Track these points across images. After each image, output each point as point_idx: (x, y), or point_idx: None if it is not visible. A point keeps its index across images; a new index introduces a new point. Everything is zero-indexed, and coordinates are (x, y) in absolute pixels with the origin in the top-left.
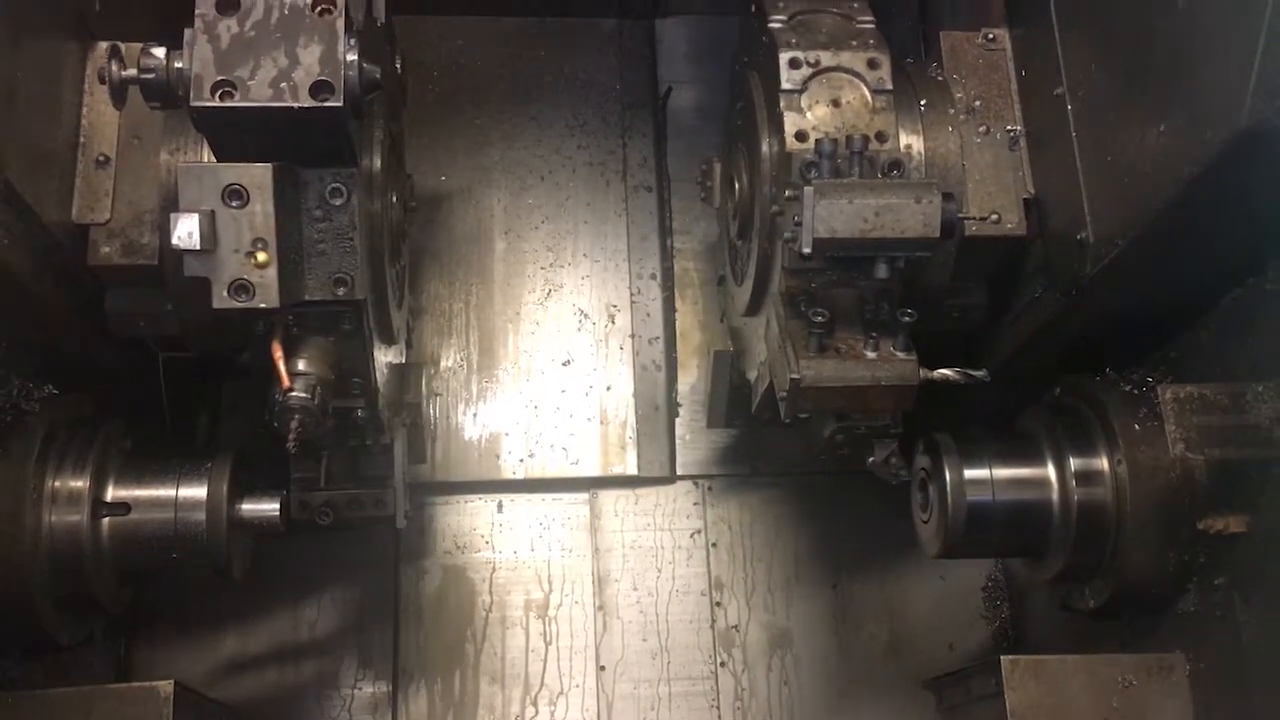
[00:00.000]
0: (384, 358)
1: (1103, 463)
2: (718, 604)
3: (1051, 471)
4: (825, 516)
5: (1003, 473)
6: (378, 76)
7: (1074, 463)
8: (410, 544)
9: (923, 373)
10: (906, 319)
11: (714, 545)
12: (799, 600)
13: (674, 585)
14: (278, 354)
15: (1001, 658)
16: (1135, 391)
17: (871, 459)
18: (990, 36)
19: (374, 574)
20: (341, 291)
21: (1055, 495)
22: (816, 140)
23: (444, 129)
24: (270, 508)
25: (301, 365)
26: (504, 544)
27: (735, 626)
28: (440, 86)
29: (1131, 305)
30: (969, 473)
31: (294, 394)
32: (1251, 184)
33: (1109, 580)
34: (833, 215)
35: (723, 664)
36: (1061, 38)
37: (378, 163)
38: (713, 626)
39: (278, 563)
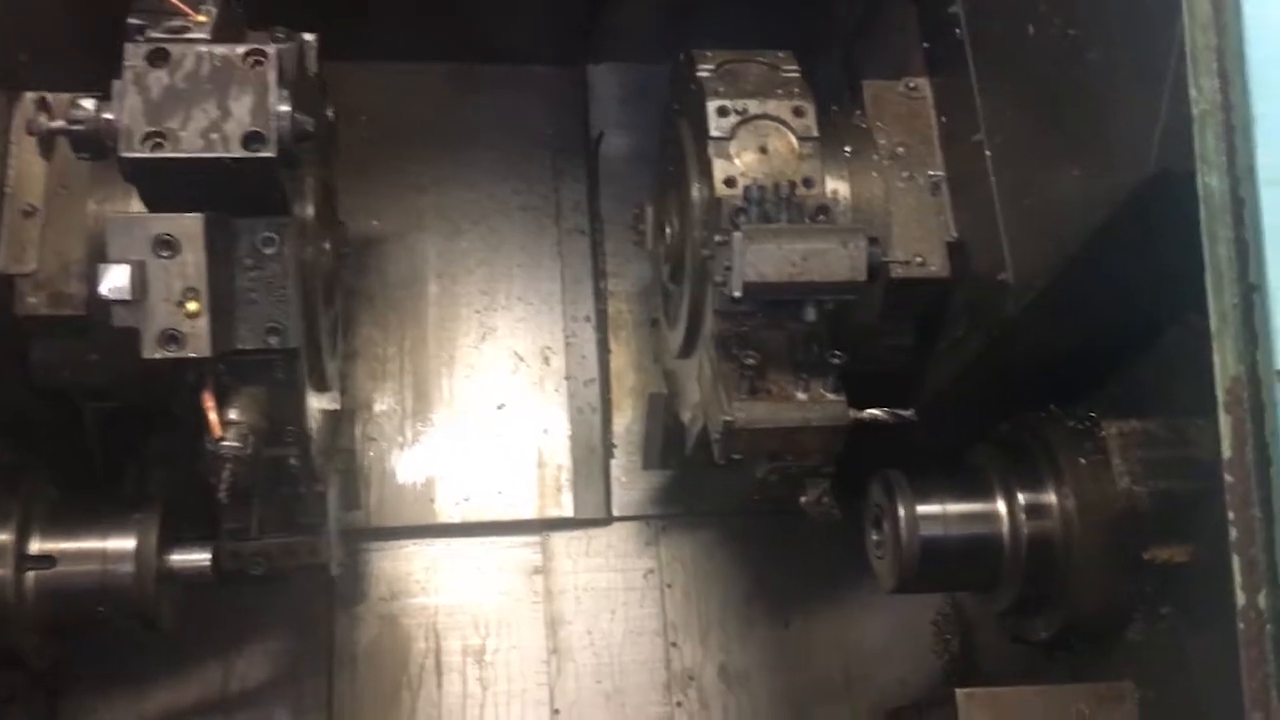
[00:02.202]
0: (317, 404)
1: (1051, 496)
2: (673, 644)
3: (1001, 506)
4: (775, 555)
5: (955, 508)
6: (310, 127)
7: (1023, 497)
8: (345, 591)
9: (852, 413)
10: (835, 360)
11: (669, 586)
12: (753, 639)
13: (627, 626)
14: (209, 403)
15: (956, 690)
16: (1080, 427)
17: (804, 498)
18: (911, 85)
19: (307, 623)
20: (274, 340)
21: (1006, 529)
22: (745, 186)
23: (376, 174)
24: (201, 558)
25: (233, 414)
26: (440, 589)
27: (690, 667)
28: (372, 132)
29: (1060, 343)
30: (922, 508)
31: (226, 443)
32: (1161, 227)
33: (1059, 611)
34: (761, 260)
35: (679, 704)
36: (979, 86)
37: (310, 211)
38: (667, 667)
39: (207, 613)
